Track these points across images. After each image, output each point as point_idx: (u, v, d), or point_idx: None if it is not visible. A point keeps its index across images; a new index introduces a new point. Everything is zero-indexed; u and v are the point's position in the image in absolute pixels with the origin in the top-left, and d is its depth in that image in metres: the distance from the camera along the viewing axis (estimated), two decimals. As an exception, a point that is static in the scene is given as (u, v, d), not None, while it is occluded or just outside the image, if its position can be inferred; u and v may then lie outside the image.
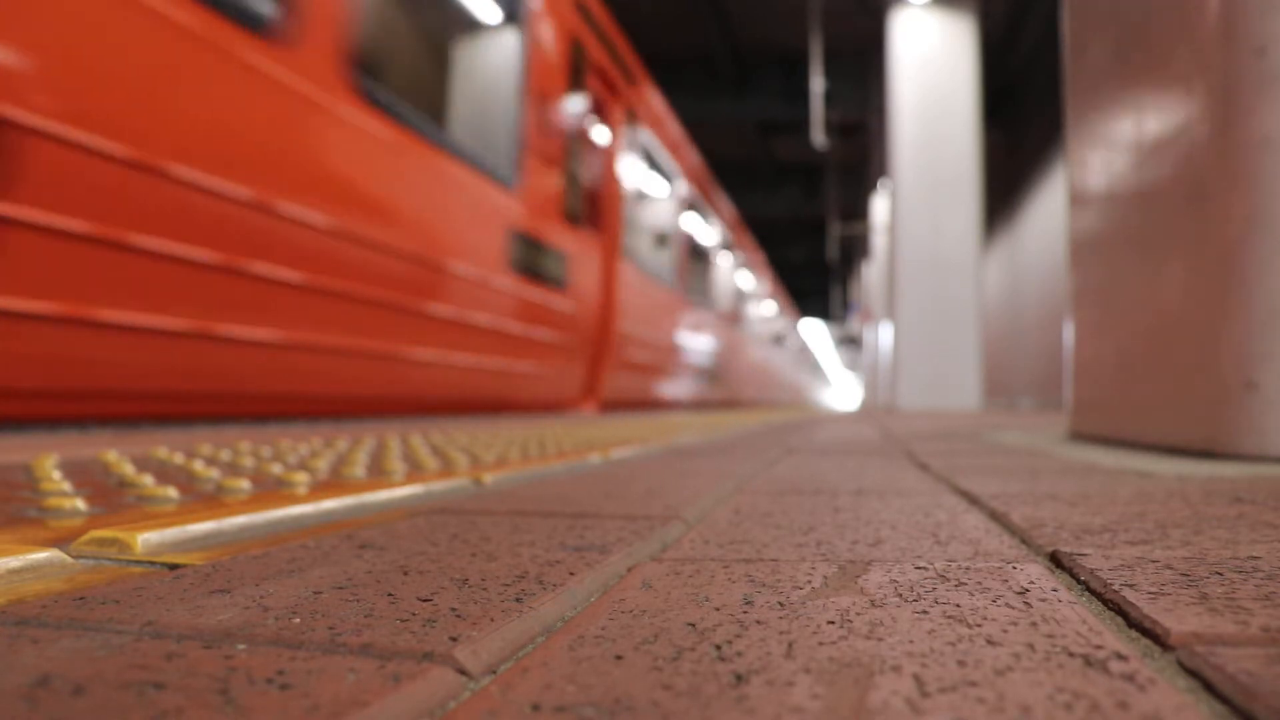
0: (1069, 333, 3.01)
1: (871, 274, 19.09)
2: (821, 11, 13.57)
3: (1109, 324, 2.64)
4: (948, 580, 0.68)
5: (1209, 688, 0.44)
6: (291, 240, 3.16)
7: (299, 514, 1.02)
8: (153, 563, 0.76)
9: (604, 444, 2.45)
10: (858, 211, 22.27)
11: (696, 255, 10.45)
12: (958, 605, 0.60)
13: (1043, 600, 0.61)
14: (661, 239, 9.06)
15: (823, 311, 38.10)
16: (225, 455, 1.82)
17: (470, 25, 5.06)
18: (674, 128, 9.14)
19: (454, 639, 0.50)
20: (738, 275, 13.75)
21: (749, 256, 15.19)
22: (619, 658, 0.48)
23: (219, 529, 0.89)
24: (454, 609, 0.57)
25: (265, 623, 0.53)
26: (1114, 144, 2.58)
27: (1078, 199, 2.96)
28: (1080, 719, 0.39)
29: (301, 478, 1.32)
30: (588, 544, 0.84)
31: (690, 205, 9.93)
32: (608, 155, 6.90)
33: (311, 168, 3.25)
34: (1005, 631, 0.53)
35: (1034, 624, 0.55)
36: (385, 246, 3.69)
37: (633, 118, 7.44)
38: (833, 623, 0.55)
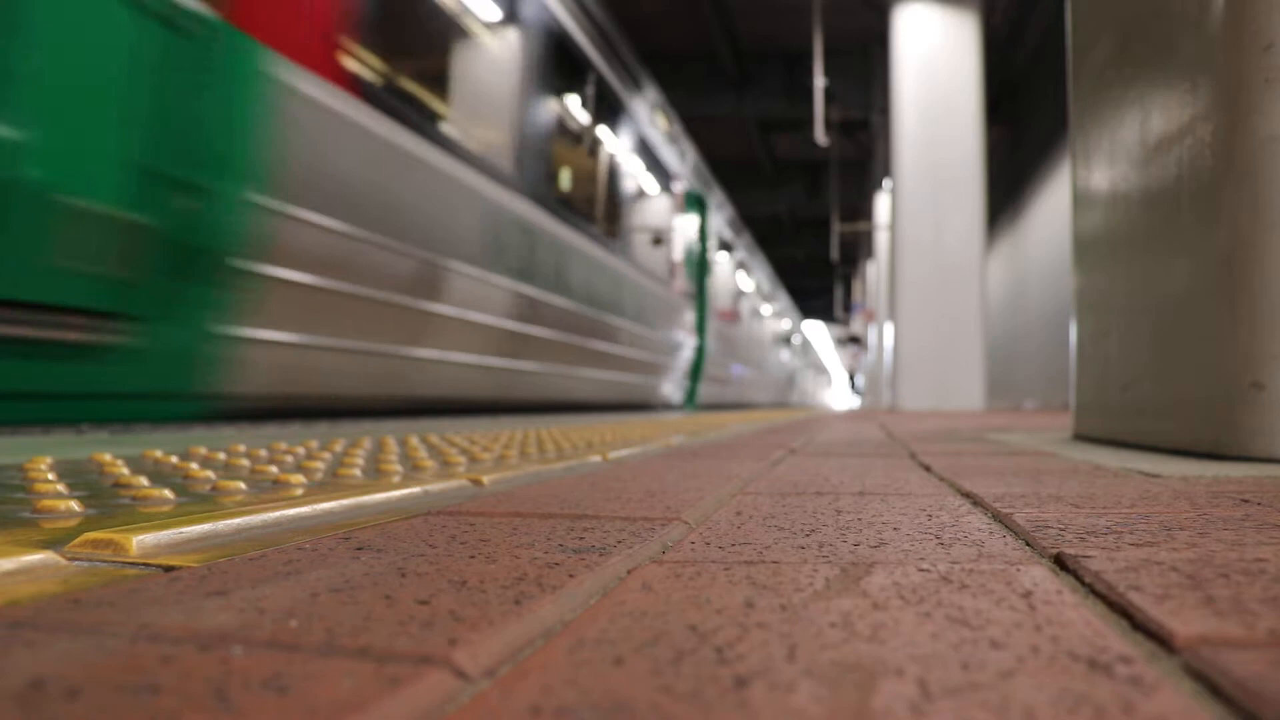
0: (1073, 332, 3.00)
1: (875, 272, 19.07)
2: (823, 8, 13.54)
3: (1114, 324, 2.63)
4: (951, 582, 0.68)
5: (1215, 691, 0.43)
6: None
7: (296, 516, 1.01)
8: (148, 565, 0.75)
9: (604, 444, 2.45)
10: (861, 210, 22.24)
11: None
12: (961, 608, 0.59)
13: (1047, 603, 0.61)
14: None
15: (825, 311, 38.06)
16: (221, 457, 1.81)
17: None
18: None
19: (452, 642, 0.49)
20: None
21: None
22: (619, 661, 0.48)
23: (215, 531, 0.89)
24: (452, 611, 0.57)
25: (262, 625, 0.53)
26: (1119, 142, 2.57)
27: (1082, 197, 2.94)
28: (1086, 725, 0.38)
29: (298, 479, 1.32)
30: (587, 546, 0.83)
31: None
32: None
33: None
34: (1009, 634, 0.52)
35: (1038, 627, 0.54)
36: None
37: None
38: (835, 625, 0.55)
